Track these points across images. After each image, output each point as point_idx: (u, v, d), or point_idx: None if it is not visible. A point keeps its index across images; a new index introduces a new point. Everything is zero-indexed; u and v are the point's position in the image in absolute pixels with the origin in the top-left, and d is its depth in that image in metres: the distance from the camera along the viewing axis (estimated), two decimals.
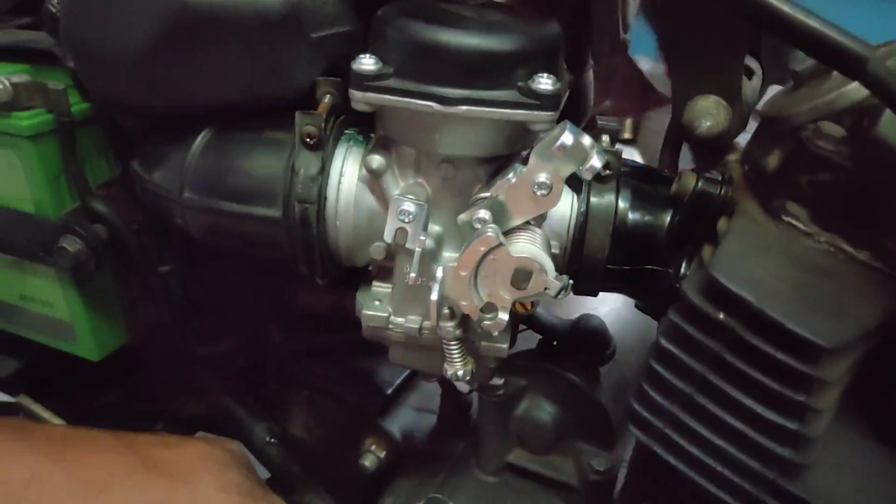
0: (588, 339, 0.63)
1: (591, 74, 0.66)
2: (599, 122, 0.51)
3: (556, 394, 0.63)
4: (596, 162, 0.40)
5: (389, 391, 0.76)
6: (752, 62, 0.55)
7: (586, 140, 0.40)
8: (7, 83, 0.54)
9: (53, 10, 0.54)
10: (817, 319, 0.37)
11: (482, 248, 0.44)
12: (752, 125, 0.50)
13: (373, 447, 0.74)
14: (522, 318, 0.58)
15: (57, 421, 0.74)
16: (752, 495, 0.41)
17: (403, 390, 0.77)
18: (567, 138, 0.40)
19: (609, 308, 0.71)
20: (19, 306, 0.67)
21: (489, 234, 0.43)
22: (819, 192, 0.41)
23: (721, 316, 0.39)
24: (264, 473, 0.83)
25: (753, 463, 0.41)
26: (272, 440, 0.84)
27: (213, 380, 0.82)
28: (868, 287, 0.40)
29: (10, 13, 0.64)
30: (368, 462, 0.74)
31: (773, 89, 0.52)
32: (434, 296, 0.44)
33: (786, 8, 0.36)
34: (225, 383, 0.83)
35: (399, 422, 0.75)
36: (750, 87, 0.51)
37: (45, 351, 0.69)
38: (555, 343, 0.64)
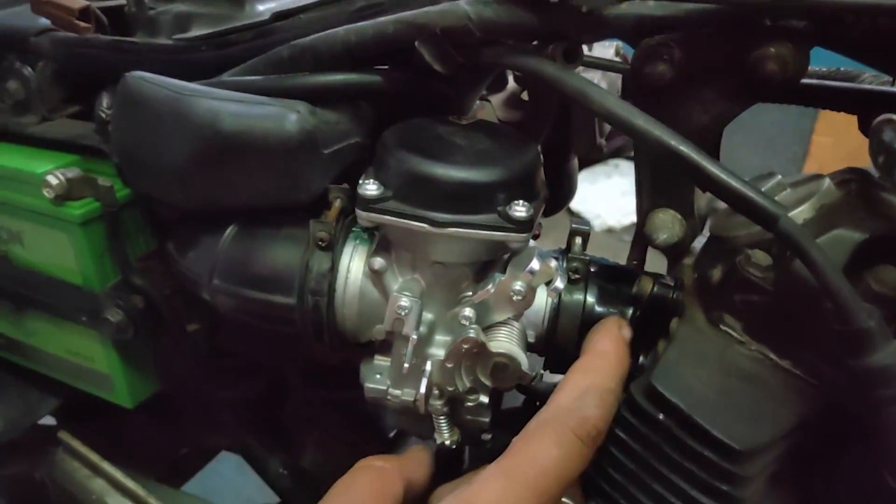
0: None
1: (575, 162, 0.74)
2: (573, 224, 0.59)
3: None
4: (559, 283, 0.48)
5: (391, 435, 0.85)
6: None
7: (552, 264, 0.48)
8: (63, 178, 0.62)
9: (104, 115, 0.62)
10: (736, 425, 0.44)
11: (465, 346, 0.52)
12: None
13: None
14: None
15: (93, 456, 0.83)
16: None
17: (403, 435, 0.85)
18: (535, 265, 0.48)
19: None
20: (64, 358, 0.76)
21: (471, 334, 0.51)
22: (749, 309, 0.49)
23: (660, 416, 0.47)
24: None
25: None
26: (285, 472, 0.92)
27: (232, 417, 0.91)
28: (786, 392, 0.47)
29: (63, 102, 0.73)
30: None
31: None
32: (423, 389, 0.52)
33: (713, 169, 0.44)
34: (244, 419, 0.92)
35: None
36: (705, 198, 0.58)
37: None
38: (538, 403, 0.72)
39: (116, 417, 0.94)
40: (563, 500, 0.47)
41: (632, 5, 0.49)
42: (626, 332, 0.52)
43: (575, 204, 3.24)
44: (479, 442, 0.69)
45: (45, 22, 0.67)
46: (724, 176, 0.43)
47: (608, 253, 0.62)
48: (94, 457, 0.84)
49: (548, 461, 0.44)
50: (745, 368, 0.48)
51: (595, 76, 0.69)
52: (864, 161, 0.51)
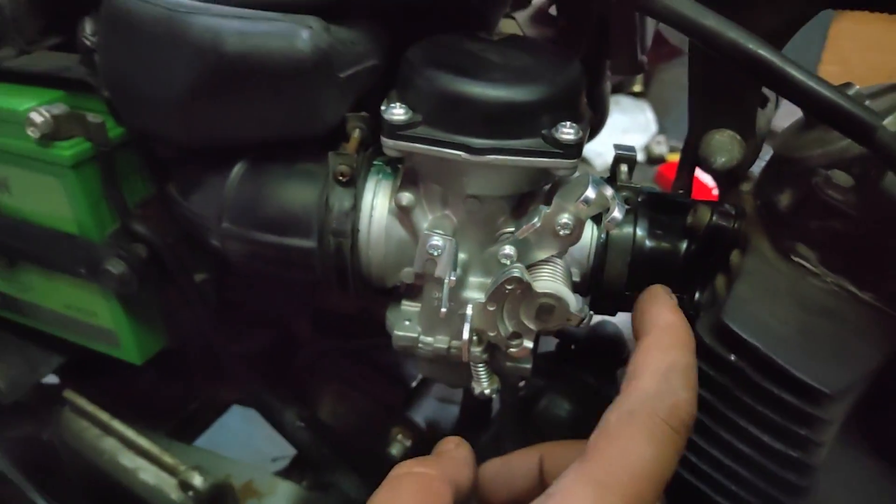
0: (604, 344, 0.67)
1: (608, 85, 0.67)
2: (617, 151, 0.53)
3: (572, 393, 0.67)
4: (617, 213, 0.43)
5: (414, 384, 0.81)
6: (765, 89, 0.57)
7: (608, 192, 0.43)
8: (48, 115, 0.56)
9: (88, 43, 0.56)
10: (820, 365, 0.40)
11: (509, 287, 0.47)
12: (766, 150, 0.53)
13: (399, 436, 0.79)
14: None
15: (102, 415, 0.79)
16: None
17: (427, 383, 0.82)
18: (590, 193, 0.42)
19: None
20: (64, 314, 0.71)
21: (515, 273, 0.46)
22: (827, 237, 0.44)
23: (732, 358, 0.42)
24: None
25: (760, 482, 0.45)
26: (301, 424, 0.89)
27: (244, 369, 0.87)
28: (870, 327, 0.43)
29: (41, 33, 0.66)
30: (395, 450, 0.79)
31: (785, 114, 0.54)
32: (466, 334, 0.47)
33: (799, 75, 0.38)
34: (256, 372, 0.88)
35: (424, 412, 0.80)
36: (764, 117, 0.52)
37: None
38: (572, 347, 0.68)
39: (121, 374, 0.90)
40: None
41: None
42: (674, 298, 0.46)
43: None
44: (510, 387, 0.65)
45: None
46: (812, 83, 0.38)
47: None
48: (104, 415, 0.80)
49: (643, 461, 0.36)
50: (822, 303, 0.44)
51: None
52: None
